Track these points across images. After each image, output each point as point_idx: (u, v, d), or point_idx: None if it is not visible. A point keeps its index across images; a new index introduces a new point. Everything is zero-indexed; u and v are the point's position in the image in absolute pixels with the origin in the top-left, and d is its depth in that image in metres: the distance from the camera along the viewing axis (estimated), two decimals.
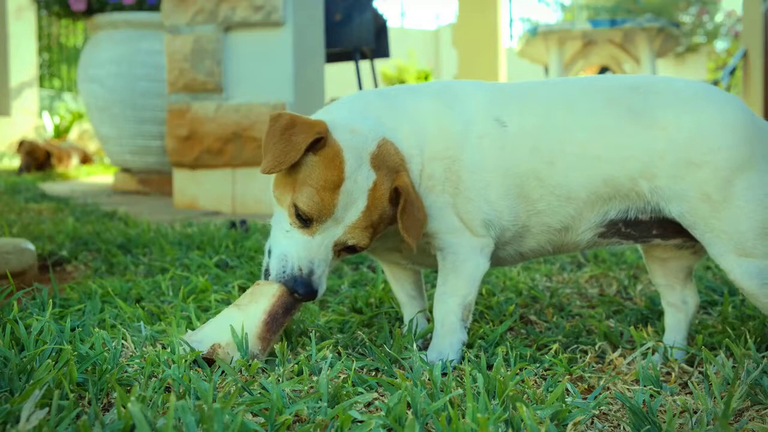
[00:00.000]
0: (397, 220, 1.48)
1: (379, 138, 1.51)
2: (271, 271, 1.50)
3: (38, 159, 7.92)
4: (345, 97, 1.71)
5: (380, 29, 6.27)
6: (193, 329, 1.62)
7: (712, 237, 1.46)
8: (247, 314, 1.47)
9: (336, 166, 1.45)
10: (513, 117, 1.57)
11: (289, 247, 1.48)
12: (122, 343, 1.56)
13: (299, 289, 1.46)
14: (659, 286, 1.73)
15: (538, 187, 1.55)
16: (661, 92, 1.53)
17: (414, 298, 1.83)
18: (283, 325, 1.47)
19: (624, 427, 1.20)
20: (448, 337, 1.57)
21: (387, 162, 1.50)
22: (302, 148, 1.42)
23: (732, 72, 8.15)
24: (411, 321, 1.74)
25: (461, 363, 1.51)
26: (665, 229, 1.56)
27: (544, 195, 1.56)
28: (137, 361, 1.44)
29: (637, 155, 1.49)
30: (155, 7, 5.60)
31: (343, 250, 1.51)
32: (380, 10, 6.15)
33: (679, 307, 1.70)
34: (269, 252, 1.54)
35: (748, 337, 1.59)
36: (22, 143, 8.08)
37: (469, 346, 1.63)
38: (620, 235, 1.58)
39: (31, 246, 2.39)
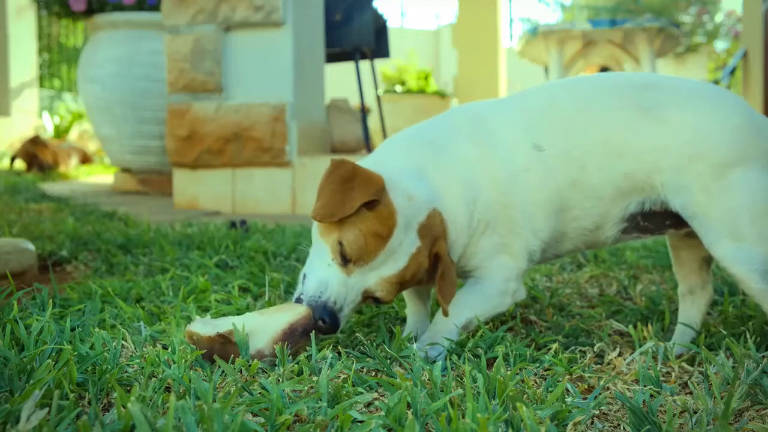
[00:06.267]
0: (435, 285, 1.54)
1: (430, 208, 1.55)
2: (306, 292, 1.51)
3: (37, 155, 7.81)
4: (396, 141, 1.72)
5: (380, 29, 6.27)
6: None
7: (709, 226, 1.54)
8: (269, 319, 1.49)
9: (387, 225, 1.49)
10: (546, 136, 1.63)
11: (331, 279, 1.51)
12: (122, 343, 1.56)
13: (325, 318, 1.47)
14: (676, 274, 1.83)
15: (575, 193, 1.62)
16: (668, 90, 1.61)
17: (424, 301, 1.84)
18: (295, 344, 1.47)
19: (624, 427, 1.20)
20: (443, 334, 1.59)
21: (432, 231, 1.55)
22: (356, 205, 1.46)
23: (732, 72, 8.14)
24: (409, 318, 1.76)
25: (454, 357, 1.51)
26: (676, 218, 1.63)
27: (579, 200, 1.63)
28: (137, 361, 1.44)
29: (650, 149, 1.57)
30: (155, 7, 5.60)
31: (368, 297, 1.54)
32: (380, 10, 6.15)
33: (685, 296, 1.80)
34: (304, 277, 1.55)
35: (748, 337, 1.59)
36: (20, 150, 7.91)
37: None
38: (639, 229, 1.66)
39: (31, 246, 2.40)
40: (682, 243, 1.77)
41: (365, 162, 1.61)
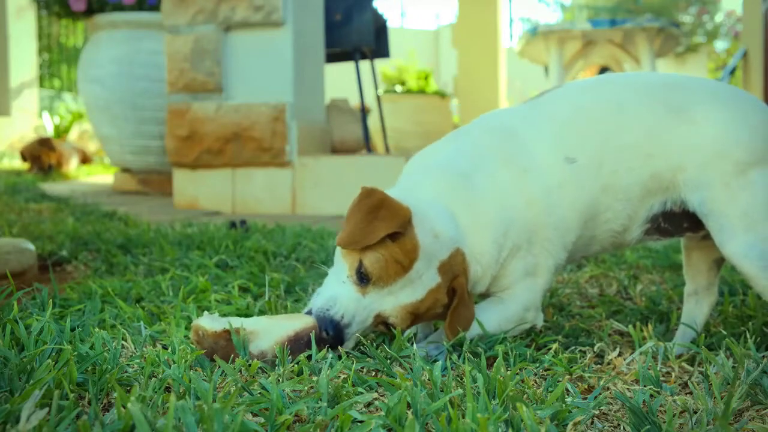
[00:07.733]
0: (447, 317, 1.54)
1: (453, 248, 1.55)
2: (314, 305, 1.52)
3: (41, 157, 7.78)
4: (427, 170, 1.69)
5: (380, 29, 6.26)
6: None
7: (724, 222, 1.56)
8: (277, 323, 1.49)
9: (409, 257, 1.50)
10: (577, 147, 1.64)
11: (342, 295, 1.51)
12: (122, 343, 1.56)
13: (330, 330, 1.48)
14: (685, 275, 1.86)
15: (606, 198, 1.64)
16: (693, 89, 1.64)
17: None
18: (299, 352, 1.47)
19: (624, 427, 1.20)
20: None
21: (452, 269, 1.55)
22: (379, 235, 1.47)
23: (732, 72, 8.14)
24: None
25: (454, 356, 1.51)
26: (692, 220, 1.66)
27: (610, 204, 1.65)
28: (137, 361, 1.44)
29: (678, 148, 1.60)
30: (155, 7, 5.60)
31: (381, 323, 1.55)
32: (380, 10, 6.14)
33: (690, 296, 1.82)
34: (318, 293, 1.56)
35: (748, 337, 1.59)
36: (26, 150, 7.90)
37: None
38: (660, 231, 1.70)
39: (31, 246, 2.40)
40: (695, 244, 1.80)
41: (396, 191, 1.61)
